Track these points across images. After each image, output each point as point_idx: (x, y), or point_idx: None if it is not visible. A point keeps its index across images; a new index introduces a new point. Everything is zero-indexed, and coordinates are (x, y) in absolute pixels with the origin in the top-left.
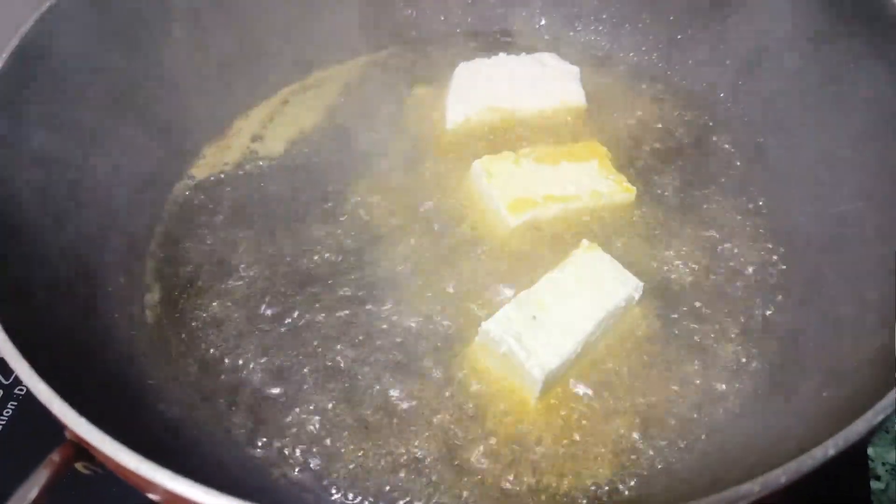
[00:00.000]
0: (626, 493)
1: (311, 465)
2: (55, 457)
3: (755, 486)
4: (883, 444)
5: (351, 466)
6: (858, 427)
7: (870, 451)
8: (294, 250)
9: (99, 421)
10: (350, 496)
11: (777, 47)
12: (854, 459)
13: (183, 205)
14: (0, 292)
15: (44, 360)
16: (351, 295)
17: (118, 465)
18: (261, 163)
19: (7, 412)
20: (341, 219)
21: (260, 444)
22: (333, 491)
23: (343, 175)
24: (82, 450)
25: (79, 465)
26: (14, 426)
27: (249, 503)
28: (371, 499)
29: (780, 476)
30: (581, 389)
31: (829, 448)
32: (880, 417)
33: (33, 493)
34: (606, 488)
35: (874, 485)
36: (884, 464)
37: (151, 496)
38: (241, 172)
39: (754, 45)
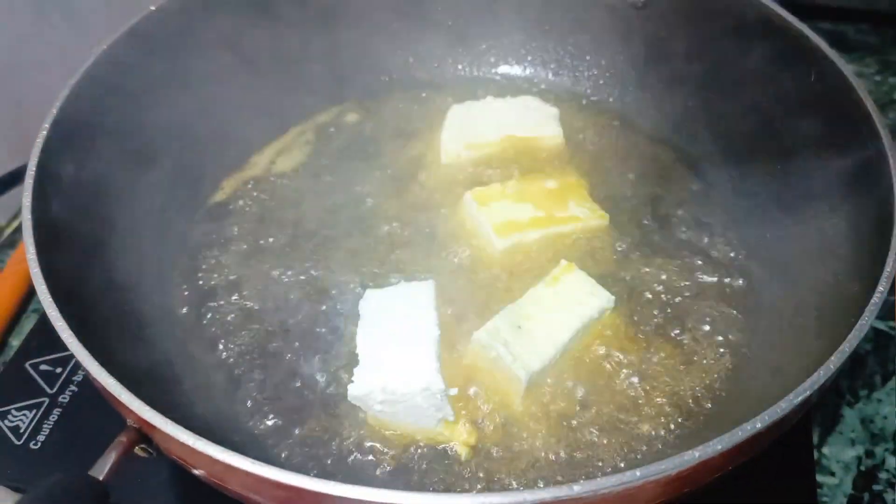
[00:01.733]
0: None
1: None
2: (122, 438)
3: (696, 453)
4: (836, 443)
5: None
6: (782, 405)
7: (825, 450)
8: (293, 280)
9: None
10: None
11: (739, 91)
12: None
13: (203, 228)
14: (72, 317)
15: (106, 361)
16: (350, 311)
17: (174, 443)
18: (265, 196)
19: (53, 417)
20: (338, 252)
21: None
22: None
23: (343, 208)
24: (142, 434)
25: (137, 449)
26: (57, 432)
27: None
28: None
29: (717, 444)
30: (559, 389)
31: (757, 423)
32: (799, 399)
33: (105, 469)
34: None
35: (829, 481)
36: (838, 461)
37: (196, 472)
38: (251, 201)
39: (718, 87)
